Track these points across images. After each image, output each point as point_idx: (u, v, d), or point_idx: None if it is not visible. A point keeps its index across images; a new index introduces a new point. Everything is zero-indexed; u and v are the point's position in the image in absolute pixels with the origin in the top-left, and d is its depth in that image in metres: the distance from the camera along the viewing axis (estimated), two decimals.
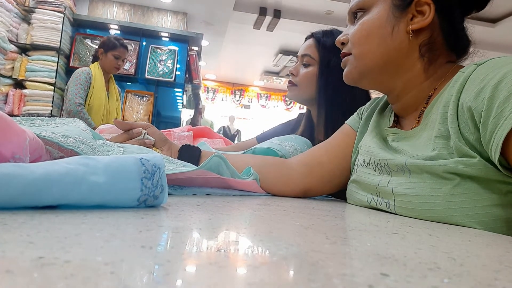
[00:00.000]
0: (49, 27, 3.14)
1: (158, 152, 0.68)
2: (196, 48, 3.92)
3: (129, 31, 3.64)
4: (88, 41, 3.49)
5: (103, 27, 3.60)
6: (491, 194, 0.46)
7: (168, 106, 3.76)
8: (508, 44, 4.97)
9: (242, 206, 0.48)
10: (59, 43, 3.15)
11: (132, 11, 4.24)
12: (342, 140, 0.76)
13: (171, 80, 3.55)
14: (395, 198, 0.54)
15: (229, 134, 6.78)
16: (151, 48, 3.58)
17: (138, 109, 3.38)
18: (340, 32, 0.81)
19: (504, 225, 0.46)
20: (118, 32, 3.65)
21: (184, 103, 3.95)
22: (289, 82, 1.13)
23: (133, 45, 3.51)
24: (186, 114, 4.73)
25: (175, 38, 3.74)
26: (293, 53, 5.97)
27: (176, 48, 3.65)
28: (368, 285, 0.17)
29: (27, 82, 3.08)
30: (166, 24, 4.27)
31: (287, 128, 1.27)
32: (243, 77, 8.25)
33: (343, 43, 0.67)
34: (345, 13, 0.69)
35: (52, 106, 3.10)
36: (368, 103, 0.79)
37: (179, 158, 0.67)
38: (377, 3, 0.62)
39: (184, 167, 0.53)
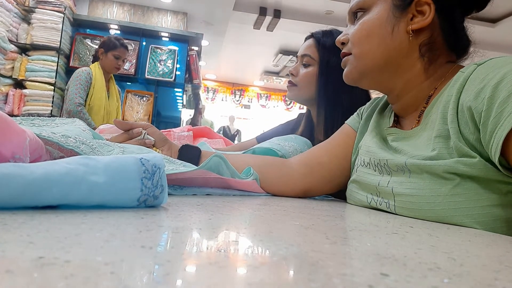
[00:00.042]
0: (49, 27, 3.14)
1: (158, 152, 0.68)
2: (196, 48, 3.92)
3: (129, 31, 3.64)
4: (88, 41, 3.49)
5: (103, 27, 3.60)
6: (491, 194, 0.46)
7: (168, 106, 3.76)
8: (508, 44, 4.97)
9: (242, 206, 0.48)
10: (59, 43, 3.15)
11: (132, 11, 4.24)
12: (342, 140, 0.76)
13: (171, 80, 3.55)
14: (395, 198, 0.54)
15: (229, 134, 6.78)
16: (151, 48, 3.58)
17: (138, 109, 3.38)
18: (340, 32, 0.81)
19: (504, 225, 0.46)
20: (118, 32, 3.65)
21: (184, 103, 3.95)
22: (289, 82, 1.13)
23: (133, 45, 3.51)
24: (186, 114, 4.73)
25: (175, 38, 3.74)
26: (293, 53, 5.97)
27: (176, 48, 3.66)
28: (368, 285, 0.17)
29: (27, 82, 3.08)
30: (166, 24, 4.27)
31: (287, 129, 1.27)
32: (243, 77, 8.25)
33: (343, 43, 0.67)
34: (345, 13, 0.69)
35: (52, 106, 3.10)
36: (368, 103, 0.79)
37: (179, 158, 0.67)
38: (377, 3, 0.62)
39: (184, 167, 0.53)
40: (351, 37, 0.65)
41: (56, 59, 3.16)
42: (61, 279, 0.14)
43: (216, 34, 5.02)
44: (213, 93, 8.60)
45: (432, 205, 0.49)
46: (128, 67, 3.48)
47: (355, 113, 0.80)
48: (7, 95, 3.01)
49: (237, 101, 8.73)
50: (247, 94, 8.83)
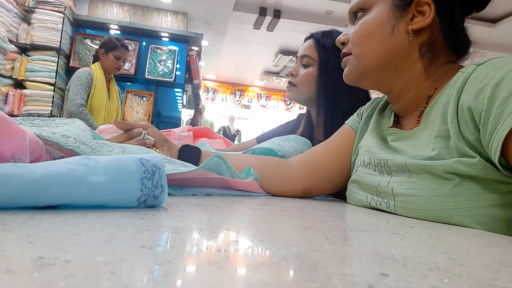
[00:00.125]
0: (49, 27, 3.14)
1: (158, 152, 0.68)
2: (196, 48, 3.92)
3: (129, 31, 3.64)
4: (88, 41, 3.49)
5: (103, 27, 3.60)
6: (491, 194, 0.46)
7: (168, 106, 3.76)
8: (508, 44, 4.97)
9: (242, 206, 0.48)
10: (59, 43, 3.15)
11: (132, 11, 4.24)
12: (342, 140, 0.76)
13: (171, 80, 3.55)
14: (395, 198, 0.54)
15: (229, 134, 6.78)
16: (151, 48, 3.58)
17: (138, 109, 3.38)
18: (339, 33, 0.81)
19: (504, 225, 0.46)
20: (118, 32, 3.65)
21: (184, 103, 3.95)
22: (289, 82, 1.13)
23: (133, 45, 3.51)
24: (186, 114, 4.73)
25: (175, 38, 3.74)
26: (293, 53, 5.97)
27: (176, 48, 3.66)
28: (368, 285, 0.17)
29: (27, 82, 3.08)
30: (166, 24, 4.27)
31: (287, 129, 1.27)
32: (243, 77, 8.25)
33: (343, 43, 0.67)
34: (345, 13, 0.69)
35: (52, 106, 3.10)
36: (368, 103, 0.79)
37: (179, 158, 0.67)
38: (378, 3, 0.62)
39: (184, 167, 0.53)
40: (351, 37, 0.65)
41: (56, 59, 3.16)
42: (61, 279, 0.14)
43: (216, 34, 5.02)
44: (213, 93, 8.60)
45: (432, 205, 0.49)
46: (128, 67, 3.48)
47: (355, 113, 0.80)
48: (7, 95, 3.01)
49: (237, 101, 8.73)
50: (247, 94, 8.84)
